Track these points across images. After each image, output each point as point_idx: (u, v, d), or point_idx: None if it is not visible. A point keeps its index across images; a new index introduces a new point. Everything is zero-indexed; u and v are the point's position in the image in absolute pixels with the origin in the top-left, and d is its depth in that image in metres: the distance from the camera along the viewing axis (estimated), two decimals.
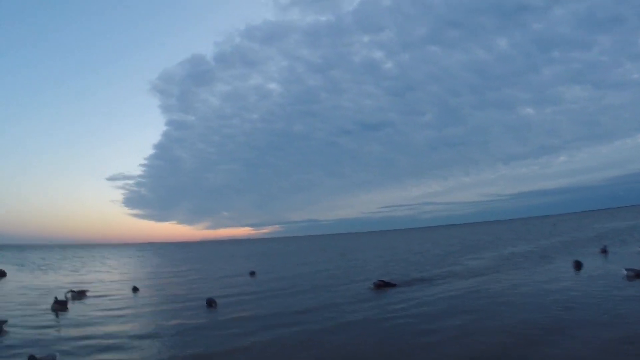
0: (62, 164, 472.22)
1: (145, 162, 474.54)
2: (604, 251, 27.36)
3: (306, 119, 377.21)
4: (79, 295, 22.20)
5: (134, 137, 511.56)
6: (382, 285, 20.28)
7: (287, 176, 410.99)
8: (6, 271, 36.71)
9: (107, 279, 31.82)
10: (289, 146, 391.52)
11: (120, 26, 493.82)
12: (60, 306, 18.34)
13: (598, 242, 33.43)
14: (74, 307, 18.97)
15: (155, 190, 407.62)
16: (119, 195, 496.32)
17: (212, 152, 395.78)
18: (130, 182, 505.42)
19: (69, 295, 21.67)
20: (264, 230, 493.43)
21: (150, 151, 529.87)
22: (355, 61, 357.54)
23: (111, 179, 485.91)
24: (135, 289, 24.03)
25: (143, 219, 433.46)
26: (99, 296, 22.27)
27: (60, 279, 31.43)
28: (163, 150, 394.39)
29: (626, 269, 18.17)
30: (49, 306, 18.46)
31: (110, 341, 12.71)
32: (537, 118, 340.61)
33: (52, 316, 17.12)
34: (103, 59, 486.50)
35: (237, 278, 29.56)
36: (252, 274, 31.34)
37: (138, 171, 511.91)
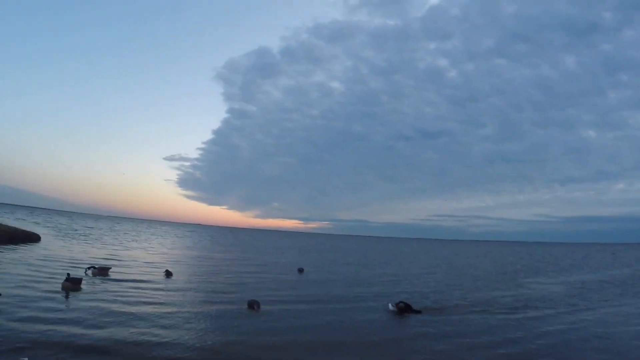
0: (124, 140, 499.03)
1: (203, 146, 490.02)
2: None
3: (365, 120, 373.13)
4: (101, 272, 18.95)
5: (194, 121, 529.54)
6: (404, 310, 14.94)
7: (341, 175, 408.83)
8: (41, 236, 35.16)
9: (143, 258, 28.74)
10: (346, 145, 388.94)
11: (191, 12, 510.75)
12: (72, 284, 14.98)
13: None
14: (90, 287, 15.66)
15: (209, 175, 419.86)
16: (174, 175, 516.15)
17: (270, 144, 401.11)
18: (187, 164, 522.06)
19: (90, 272, 18.56)
20: (312, 225, 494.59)
21: (209, 136, 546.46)
22: (419, 67, 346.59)
23: (168, 159, 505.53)
24: (168, 274, 20.54)
25: (195, 200, 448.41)
26: (122, 278, 18.78)
27: (93, 252, 28.89)
28: (221, 137, 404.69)
29: None
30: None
31: (100, 344, 9.26)
32: (598, 142, 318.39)
33: (59, 296, 13.84)
34: (172, 43, 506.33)
35: (285, 274, 25.50)
36: (301, 270, 27.57)
37: (195, 154, 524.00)
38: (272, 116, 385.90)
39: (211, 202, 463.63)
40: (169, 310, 13.17)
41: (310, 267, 30.46)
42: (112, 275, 19.04)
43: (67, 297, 13.87)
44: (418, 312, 14.87)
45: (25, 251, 25.55)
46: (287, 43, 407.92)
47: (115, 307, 12.90)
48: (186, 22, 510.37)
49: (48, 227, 58.02)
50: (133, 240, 47.64)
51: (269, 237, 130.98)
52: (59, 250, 27.68)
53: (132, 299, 14.22)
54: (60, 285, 14.89)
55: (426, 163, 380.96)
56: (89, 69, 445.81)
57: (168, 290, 16.71)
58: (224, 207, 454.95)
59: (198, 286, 18.37)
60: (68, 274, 15.35)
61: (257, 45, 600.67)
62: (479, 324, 13.72)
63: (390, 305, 15.20)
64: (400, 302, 15.16)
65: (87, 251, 29.31)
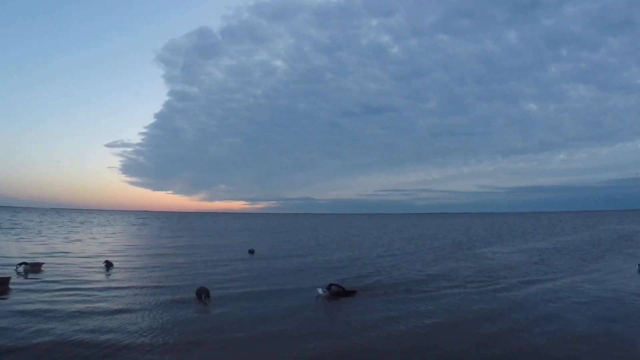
0: (62, 128, 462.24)
1: (145, 130, 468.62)
2: None
3: (310, 98, 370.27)
4: (33, 268, 17.76)
5: (135, 106, 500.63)
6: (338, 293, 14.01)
7: (287, 153, 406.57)
8: None
9: (83, 250, 27.21)
10: (291, 124, 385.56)
11: None
12: None
13: (626, 244, 31.61)
14: (19, 287, 14.52)
15: (153, 159, 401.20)
16: (117, 162, 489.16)
17: (214, 125, 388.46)
18: (129, 149, 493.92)
19: (21, 268, 17.32)
20: (259, 205, 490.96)
21: (151, 120, 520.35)
22: (363, 44, 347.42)
23: (110, 145, 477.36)
24: (108, 265, 19.54)
25: (140, 186, 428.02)
26: (59, 273, 17.60)
27: (30, 247, 26.96)
28: (164, 120, 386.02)
29: None
30: None
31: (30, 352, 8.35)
32: (540, 114, 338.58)
33: None
34: (109, 26, 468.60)
35: (235, 258, 25.19)
36: (251, 252, 27.53)
37: (137, 139, 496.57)
38: (215, 97, 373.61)
39: (156, 188, 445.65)
40: (107, 306, 12.39)
41: (261, 248, 30.47)
42: (48, 271, 17.84)
43: None
44: (352, 292, 14.15)
45: None
46: (228, 22, 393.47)
47: (46, 307, 11.95)
48: (123, 2, 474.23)
49: None
50: (75, 232, 44.91)
51: (217, 219, 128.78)
52: None
53: (66, 297, 13.30)
54: None
55: (372, 138, 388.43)
56: (20, 51, 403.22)
57: (107, 283, 15.88)
58: (169, 192, 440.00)
59: (141, 276, 17.65)
60: None
61: (198, 25, 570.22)
62: (455, 299, 13.58)
63: (320, 290, 13.85)
64: (332, 284, 14.25)
65: (23, 247, 27.26)
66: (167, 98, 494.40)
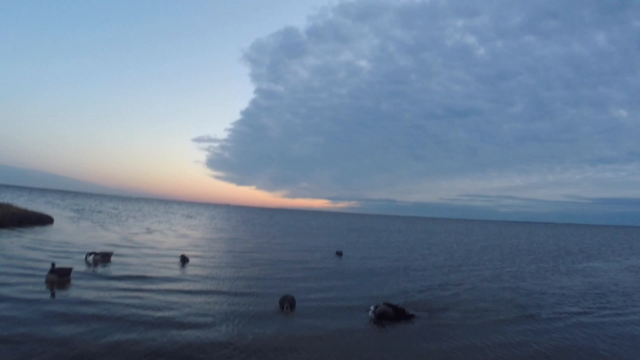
0: (152, 121, 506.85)
1: (231, 127, 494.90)
2: None
3: (394, 99, 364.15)
4: (103, 259, 15.83)
5: (222, 102, 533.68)
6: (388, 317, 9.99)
7: (369, 154, 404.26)
8: (55, 218, 32.80)
9: (159, 242, 25.46)
10: (375, 124, 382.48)
11: None
12: (58, 277, 11.78)
13: None
14: (84, 279, 12.42)
15: (238, 155, 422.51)
16: (202, 156, 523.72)
17: (298, 124, 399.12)
18: (215, 144, 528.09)
19: (90, 258, 15.40)
20: (341, 205, 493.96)
21: (237, 117, 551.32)
22: (448, 45, 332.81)
23: (197, 140, 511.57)
24: (184, 260, 17.21)
25: (224, 180, 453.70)
26: (129, 264, 15.61)
27: (106, 236, 26.06)
28: (250, 117, 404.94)
29: None
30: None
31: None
32: (630, 121, 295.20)
33: (42, 292, 10.63)
34: (199, 24, 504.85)
35: (322, 258, 21.82)
36: (339, 254, 23.88)
37: (223, 135, 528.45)
38: (300, 96, 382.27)
39: (240, 182, 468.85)
40: (174, 308, 9.69)
41: (348, 249, 26.79)
42: (118, 262, 15.85)
43: (52, 294, 10.59)
44: (409, 315, 10.30)
45: (30, 234, 22.90)
46: (313, 22, 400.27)
47: (103, 307, 9.48)
48: (213, 4, 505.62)
49: (70, 209, 56.79)
50: (156, 222, 45.08)
51: (298, 217, 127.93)
52: (71, 236, 24.84)
53: (129, 298, 10.72)
54: (44, 278, 11.74)
55: (456, 142, 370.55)
56: (122, 57, 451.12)
57: (179, 281, 13.27)
58: (252, 187, 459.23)
59: (218, 275, 14.83)
60: (53, 264, 12.09)
61: (284, 25, 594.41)
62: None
63: (372, 308, 10.17)
64: (386, 304, 10.33)
65: (101, 235, 26.47)
66: (253, 96, 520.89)
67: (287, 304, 10.40)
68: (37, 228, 26.12)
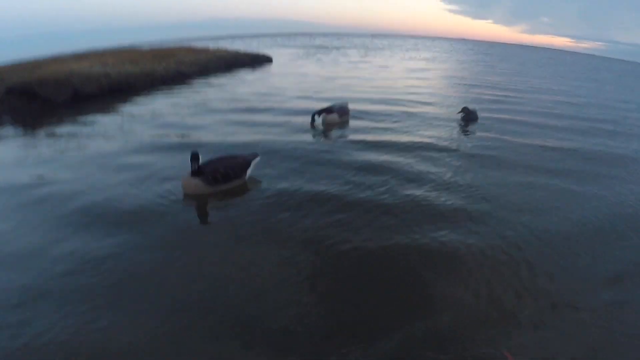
0: None
1: None
2: None
3: None
4: (341, 116, 11.56)
5: None
6: None
7: None
8: (273, 58, 32.78)
9: (419, 86, 20.85)
10: None
11: None
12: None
13: None
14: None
15: None
16: None
17: None
18: None
19: (320, 120, 11.34)
20: (584, 45, 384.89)
21: None
22: None
23: None
24: (468, 115, 13.10)
25: (459, 14, 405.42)
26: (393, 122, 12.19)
27: (336, 72, 24.10)
28: None
29: None
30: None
31: None
32: None
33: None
34: None
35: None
36: None
37: None
38: None
39: (475, 16, 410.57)
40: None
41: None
42: (364, 118, 12.21)
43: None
44: None
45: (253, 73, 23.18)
46: None
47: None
48: None
49: (286, 46, 57.18)
50: (400, 60, 38.22)
51: (540, 55, 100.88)
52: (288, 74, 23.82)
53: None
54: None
55: None
56: None
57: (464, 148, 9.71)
58: (489, 21, 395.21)
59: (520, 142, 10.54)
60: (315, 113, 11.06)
61: None
62: None
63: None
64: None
65: (330, 73, 24.22)
66: None
67: None
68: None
